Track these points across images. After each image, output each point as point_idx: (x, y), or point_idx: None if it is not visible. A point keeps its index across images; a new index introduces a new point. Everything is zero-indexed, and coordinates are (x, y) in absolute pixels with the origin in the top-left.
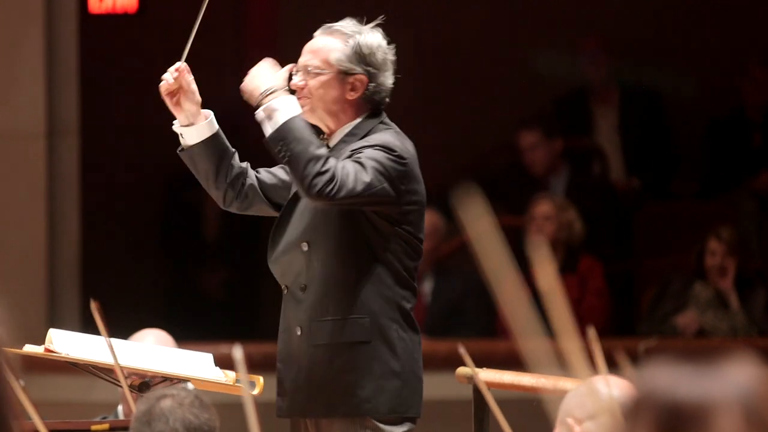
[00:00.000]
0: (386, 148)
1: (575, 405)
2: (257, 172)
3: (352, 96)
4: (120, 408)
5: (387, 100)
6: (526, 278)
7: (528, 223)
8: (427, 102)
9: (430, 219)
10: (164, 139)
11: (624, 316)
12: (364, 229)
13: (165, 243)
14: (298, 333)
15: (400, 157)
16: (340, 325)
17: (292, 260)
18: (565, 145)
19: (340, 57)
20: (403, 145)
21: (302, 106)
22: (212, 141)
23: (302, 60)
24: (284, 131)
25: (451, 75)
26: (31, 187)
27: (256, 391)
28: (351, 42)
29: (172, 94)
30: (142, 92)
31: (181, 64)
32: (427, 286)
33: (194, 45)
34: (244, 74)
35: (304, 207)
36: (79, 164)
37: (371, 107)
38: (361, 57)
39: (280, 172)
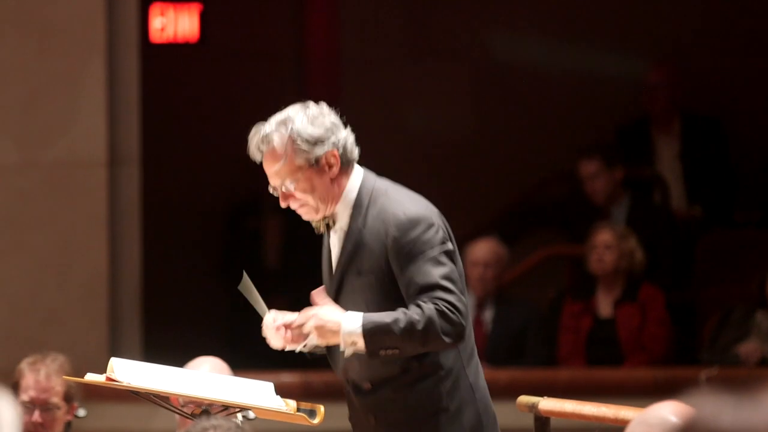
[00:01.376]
0: (418, 228)
1: None
2: None
3: (334, 173)
4: None
5: (356, 151)
6: (587, 306)
7: (589, 252)
8: (487, 130)
9: (490, 247)
10: (225, 167)
11: (685, 345)
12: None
13: (226, 271)
14: (372, 421)
15: (429, 225)
16: (413, 397)
17: (350, 357)
18: (626, 173)
19: (299, 155)
20: (416, 204)
21: (305, 214)
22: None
23: (275, 184)
24: (373, 340)
25: (511, 103)
26: (93, 216)
27: (317, 420)
28: (296, 137)
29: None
30: (203, 120)
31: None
32: (488, 315)
33: (256, 75)
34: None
35: (353, 300)
36: (140, 193)
37: (348, 168)
38: (312, 140)
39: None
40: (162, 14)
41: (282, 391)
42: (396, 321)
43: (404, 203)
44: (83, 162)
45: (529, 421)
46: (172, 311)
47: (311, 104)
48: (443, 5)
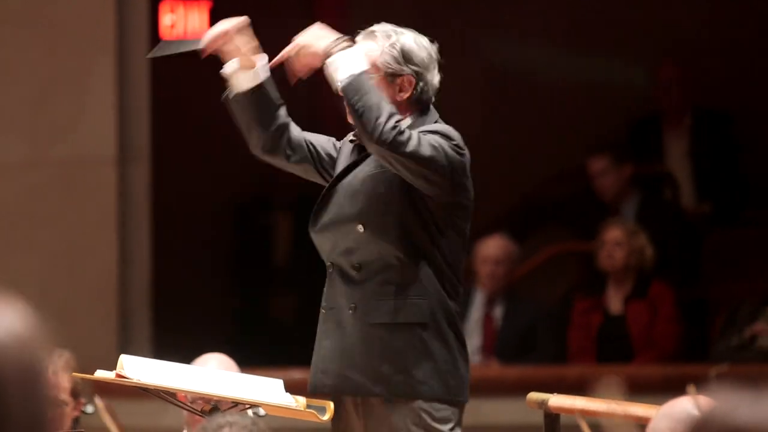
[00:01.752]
0: (447, 136)
1: (665, 428)
2: (307, 134)
3: (401, 97)
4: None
5: (433, 99)
6: (597, 302)
7: (599, 248)
8: (497, 127)
9: (501, 244)
10: (235, 164)
11: (695, 341)
12: (423, 216)
13: (236, 268)
14: (350, 312)
15: (459, 147)
16: (399, 306)
17: (343, 237)
18: (636, 170)
19: (386, 60)
20: (461, 139)
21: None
22: (262, 89)
23: None
24: (360, 81)
25: (521, 100)
26: (102, 214)
27: (326, 417)
28: (394, 44)
29: (222, 38)
30: (213, 118)
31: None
32: (498, 312)
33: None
34: (314, 100)
35: (358, 188)
36: (150, 190)
37: (421, 107)
38: (406, 58)
39: (330, 145)
40: (172, 11)
41: (291, 388)
42: (383, 99)
43: (446, 126)
44: (93, 159)
45: (538, 417)
46: (181, 308)
47: (423, 36)
48: (453, 3)
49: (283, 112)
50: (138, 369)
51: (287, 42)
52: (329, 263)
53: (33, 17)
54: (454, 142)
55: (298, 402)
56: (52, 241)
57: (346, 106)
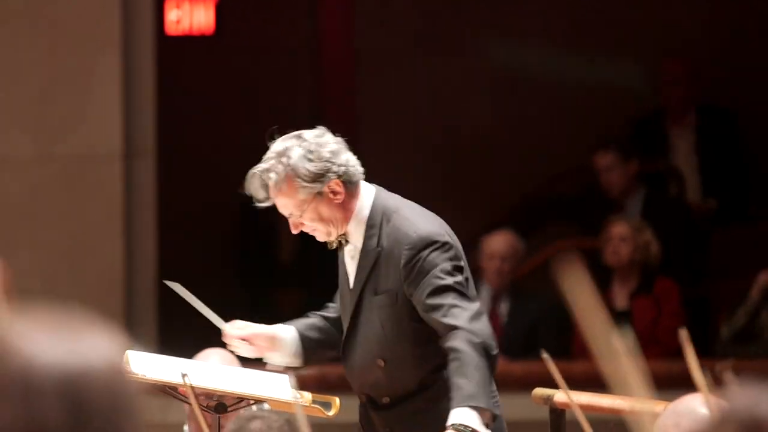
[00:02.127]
0: (429, 247)
1: (671, 424)
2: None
3: (339, 199)
4: (186, 428)
5: (361, 169)
6: (602, 298)
7: (604, 244)
8: (502, 123)
9: (507, 240)
10: (240, 161)
11: (700, 337)
12: (429, 329)
13: (241, 265)
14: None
15: (444, 244)
16: (435, 415)
17: (368, 373)
18: (642, 166)
19: (302, 191)
20: (428, 222)
21: (318, 237)
22: (304, 343)
23: (284, 213)
24: (484, 407)
25: (527, 96)
26: (108, 209)
27: (332, 412)
28: (296, 176)
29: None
30: (219, 113)
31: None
32: (503, 308)
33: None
34: (319, 95)
35: (371, 319)
36: (155, 186)
37: (354, 188)
38: (311, 177)
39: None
40: (177, 7)
41: (297, 384)
42: (474, 377)
43: (416, 222)
44: (98, 155)
45: (544, 413)
46: (187, 304)
47: (307, 135)
48: (456, 2)
49: (326, 322)
50: (143, 364)
51: (289, 42)
52: (360, 394)
53: (38, 14)
54: (439, 244)
55: (304, 397)
56: (57, 237)
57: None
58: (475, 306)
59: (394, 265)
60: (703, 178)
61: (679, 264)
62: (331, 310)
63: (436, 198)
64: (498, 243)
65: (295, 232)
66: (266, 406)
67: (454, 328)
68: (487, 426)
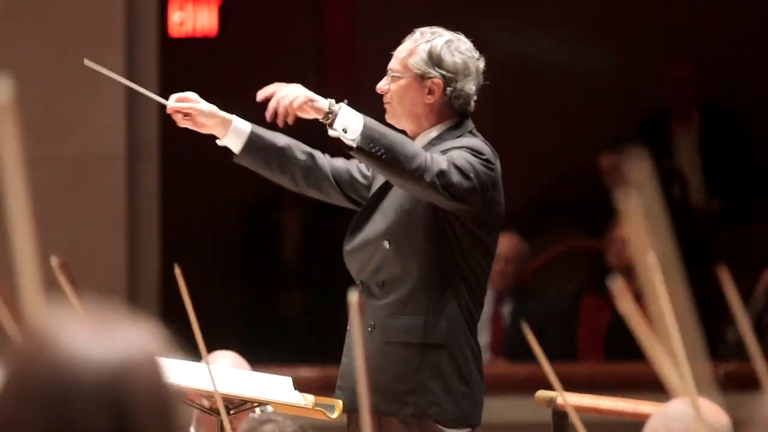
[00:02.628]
0: (475, 151)
1: (661, 427)
2: (333, 162)
3: (429, 100)
4: (192, 430)
5: (469, 107)
6: (606, 300)
7: (608, 245)
8: (506, 124)
9: (511, 242)
10: None
11: (704, 339)
12: (447, 233)
13: (245, 265)
14: (369, 329)
15: (488, 161)
16: (417, 326)
17: (371, 256)
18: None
19: (416, 61)
20: (492, 151)
21: (387, 112)
22: (250, 145)
23: (390, 64)
24: (370, 132)
25: (531, 97)
26: (111, 210)
27: (335, 415)
28: (427, 46)
29: (188, 118)
30: None
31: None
32: (506, 309)
33: (274, 69)
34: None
35: (389, 204)
36: (159, 186)
37: (453, 114)
38: (434, 61)
39: (355, 168)
40: (181, 8)
41: (300, 386)
42: (400, 137)
43: (476, 141)
44: (102, 156)
45: (547, 416)
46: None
47: (467, 42)
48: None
49: (293, 150)
50: None
51: (292, 44)
52: (358, 282)
53: (42, 16)
54: (484, 157)
55: (307, 400)
56: (61, 238)
57: (368, 160)
58: (477, 176)
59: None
60: (706, 178)
61: (682, 265)
62: (312, 154)
63: None
64: (502, 245)
65: (378, 90)
66: (270, 408)
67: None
68: (341, 127)
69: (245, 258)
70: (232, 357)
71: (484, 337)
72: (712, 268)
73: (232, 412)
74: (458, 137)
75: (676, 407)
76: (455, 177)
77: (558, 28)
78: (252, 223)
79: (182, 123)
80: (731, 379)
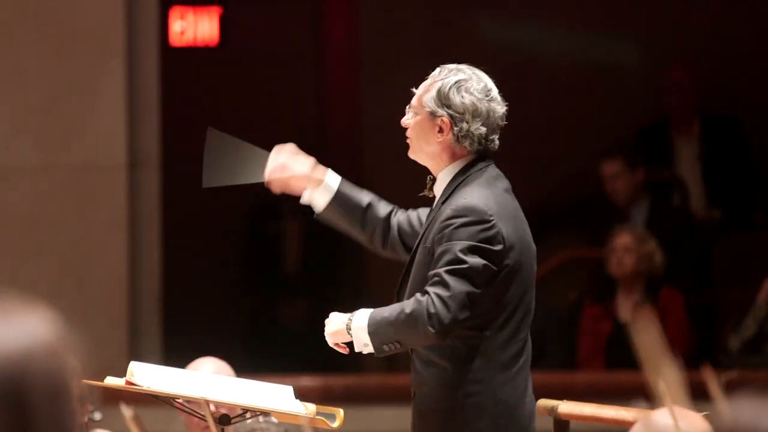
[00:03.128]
0: (467, 217)
1: None
2: (402, 219)
3: (439, 138)
4: None
5: (484, 147)
6: (607, 309)
7: (608, 254)
8: (507, 132)
9: None
10: None
11: (704, 347)
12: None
13: (246, 275)
14: (412, 395)
15: (483, 221)
16: (452, 398)
17: None
18: (646, 175)
19: (429, 98)
20: (483, 197)
21: (410, 151)
22: (335, 202)
23: (412, 99)
24: (378, 339)
25: (532, 105)
26: (112, 219)
27: (336, 424)
28: (438, 84)
29: (281, 169)
30: (223, 124)
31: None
32: None
33: (275, 78)
34: (323, 105)
35: (413, 271)
36: (159, 196)
37: (467, 153)
38: (443, 100)
39: (416, 218)
40: (182, 18)
41: (301, 395)
42: (393, 312)
43: (475, 193)
44: (103, 165)
45: (548, 424)
46: (191, 315)
47: (480, 77)
48: (462, 6)
49: (376, 208)
50: (148, 376)
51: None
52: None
53: (44, 23)
54: (476, 220)
55: (308, 409)
56: (62, 247)
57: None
58: (462, 289)
59: (438, 225)
60: (707, 187)
61: (683, 273)
62: (398, 211)
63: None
64: None
65: (402, 125)
66: (274, 419)
67: (424, 292)
68: (364, 345)
69: (246, 267)
70: (214, 363)
71: None
72: (712, 276)
73: (233, 421)
74: (465, 179)
75: (658, 418)
76: (445, 317)
77: (560, 36)
78: (253, 232)
79: (278, 191)
80: (732, 387)
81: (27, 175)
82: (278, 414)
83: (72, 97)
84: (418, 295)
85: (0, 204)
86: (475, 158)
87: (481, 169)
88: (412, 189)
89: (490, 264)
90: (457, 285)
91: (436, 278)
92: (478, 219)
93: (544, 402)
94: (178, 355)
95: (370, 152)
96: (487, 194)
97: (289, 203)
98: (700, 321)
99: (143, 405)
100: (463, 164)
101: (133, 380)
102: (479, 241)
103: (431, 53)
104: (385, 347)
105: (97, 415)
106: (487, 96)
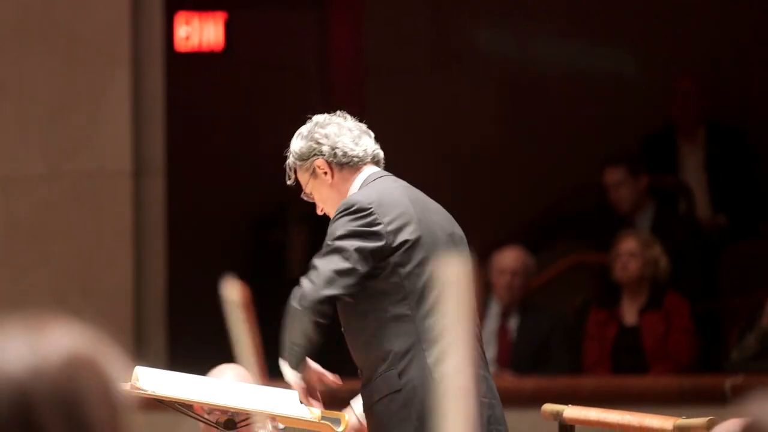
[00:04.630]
0: (343, 212)
1: None
2: None
3: (329, 179)
4: None
5: (358, 157)
6: (612, 314)
7: (613, 260)
8: (512, 138)
9: (517, 256)
10: (250, 178)
11: (710, 353)
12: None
13: (250, 282)
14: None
15: (358, 210)
16: (371, 388)
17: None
18: (651, 182)
19: (300, 170)
20: (364, 192)
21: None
22: None
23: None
24: (288, 355)
25: (537, 111)
26: (118, 226)
27: (341, 429)
28: (293, 153)
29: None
30: (229, 130)
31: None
32: (513, 323)
33: (280, 83)
34: (329, 112)
35: None
36: (165, 203)
37: (351, 172)
38: (301, 157)
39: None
40: (187, 23)
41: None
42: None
43: (360, 192)
44: (108, 172)
45: (553, 429)
46: (196, 321)
47: (317, 117)
48: (467, 14)
49: None
50: (153, 380)
51: (298, 58)
52: None
53: (49, 30)
54: (351, 210)
55: (313, 413)
56: (67, 254)
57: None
58: (329, 267)
59: None
60: (712, 194)
61: (689, 279)
62: None
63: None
64: (508, 259)
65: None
66: (280, 425)
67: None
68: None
69: (250, 273)
70: (235, 370)
71: (490, 351)
72: (718, 282)
73: (239, 426)
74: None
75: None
76: (309, 292)
77: (565, 43)
78: (257, 239)
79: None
80: (738, 392)
81: (33, 183)
82: (283, 419)
83: (77, 105)
84: None
85: (6, 212)
86: (357, 174)
87: (368, 182)
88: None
89: (366, 242)
90: (323, 263)
91: (312, 266)
92: (354, 209)
93: (549, 407)
94: (183, 362)
95: None
96: (368, 190)
97: (294, 211)
98: (706, 327)
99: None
100: (355, 185)
101: (138, 385)
102: (355, 227)
103: (436, 62)
104: (291, 357)
105: None
106: (334, 119)
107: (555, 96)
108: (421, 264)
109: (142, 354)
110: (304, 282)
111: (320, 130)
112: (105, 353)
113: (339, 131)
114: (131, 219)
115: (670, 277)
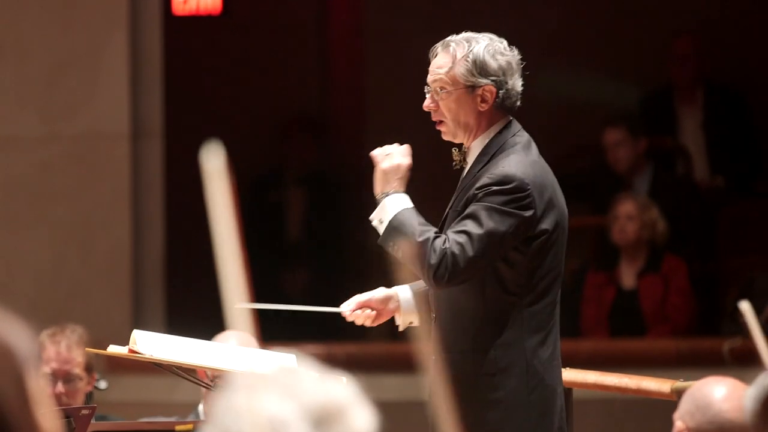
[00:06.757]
0: (502, 185)
1: (686, 411)
2: None
3: (483, 108)
4: (201, 407)
5: (518, 103)
6: (610, 277)
7: (611, 222)
8: None
9: None
10: (248, 140)
11: (708, 315)
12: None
13: (248, 244)
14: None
15: (517, 188)
16: (464, 358)
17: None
18: (650, 144)
19: (462, 72)
20: (522, 166)
21: (442, 133)
22: (417, 306)
23: (429, 79)
24: (391, 231)
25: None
26: (116, 189)
27: None
28: (470, 56)
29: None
30: (226, 93)
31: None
32: None
33: (278, 46)
34: (327, 75)
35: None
36: (163, 166)
37: (501, 116)
38: (480, 70)
39: None
40: None
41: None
42: (415, 230)
43: (513, 162)
44: (106, 135)
45: None
46: (194, 284)
47: (501, 40)
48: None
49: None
50: (150, 344)
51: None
52: None
53: None
54: (510, 186)
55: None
56: (65, 217)
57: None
58: (479, 234)
59: (473, 189)
60: (710, 155)
61: (687, 242)
62: None
63: (445, 176)
64: None
65: (426, 106)
66: None
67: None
68: (379, 221)
69: (249, 236)
70: (239, 336)
71: None
72: (716, 244)
73: None
74: (500, 148)
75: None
76: (461, 259)
77: (562, 3)
78: (255, 202)
79: (368, 323)
80: (735, 355)
81: (31, 146)
82: None
83: (75, 67)
84: (443, 236)
85: (4, 174)
86: (507, 123)
87: (515, 134)
88: (415, 158)
89: (517, 228)
90: (471, 245)
91: (459, 232)
92: (514, 187)
93: None
94: (181, 325)
95: (373, 121)
96: (525, 162)
97: (292, 173)
98: (704, 289)
99: (147, 373)
100: (497, 130)
101: (135, 348)
102: (511, 207)
103: (435, 22)
104: (390, 244)
105: (103, 384)
106: (511, 51)
107: (553, 54)
108: (553, 255)
109: (140, 316)
110: (454, 246)
111: (505, 59)
112: (17, 340)
113: (515, 69)
114: (129, 181)
115: (667, 240)
